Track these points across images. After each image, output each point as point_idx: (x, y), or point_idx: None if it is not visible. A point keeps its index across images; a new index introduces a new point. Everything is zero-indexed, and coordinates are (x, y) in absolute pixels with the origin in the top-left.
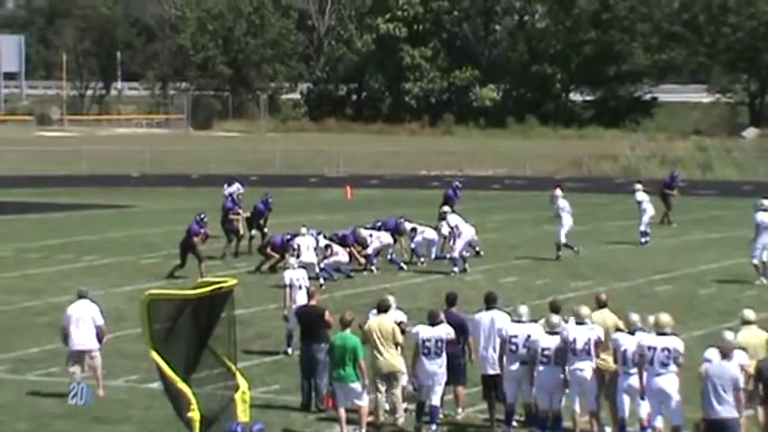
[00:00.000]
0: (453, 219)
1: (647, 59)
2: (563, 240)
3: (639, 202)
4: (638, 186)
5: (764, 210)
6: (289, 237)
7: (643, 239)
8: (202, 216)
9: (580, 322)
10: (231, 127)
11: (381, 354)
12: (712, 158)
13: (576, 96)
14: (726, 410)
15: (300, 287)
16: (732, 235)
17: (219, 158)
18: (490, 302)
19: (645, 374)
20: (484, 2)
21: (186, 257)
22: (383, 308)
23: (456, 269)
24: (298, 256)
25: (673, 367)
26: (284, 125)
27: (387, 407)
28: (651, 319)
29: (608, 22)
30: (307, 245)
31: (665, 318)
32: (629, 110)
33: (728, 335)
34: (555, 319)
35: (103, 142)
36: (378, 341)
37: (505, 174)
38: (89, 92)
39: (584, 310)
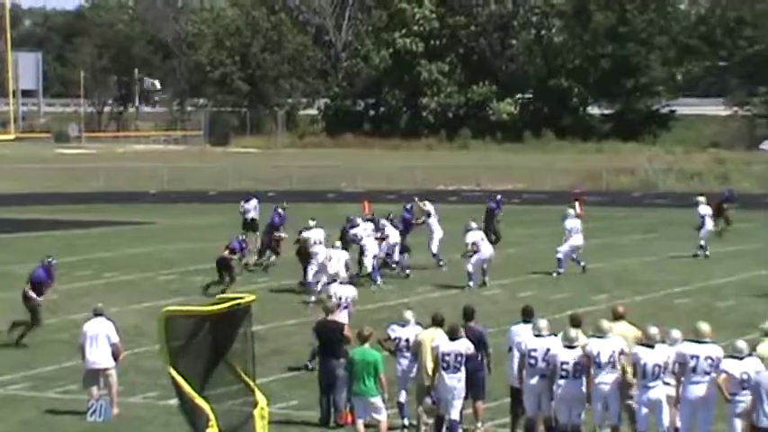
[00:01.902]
0: (472, 236)
1: (665, 73)
2: (560, 255)
3: (702, 216)
4: (701, 199)
5: None
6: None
7: (700, 252)
8: (243, 238)
9: (601, 336)
10: (248, 143)
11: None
12: (730, 171)
13: (593, 110)
14: None
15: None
16: (750, 248)
17: (237, 175)
18: (527, 316)
19: (681, 383)
20: (500, 16)
21: (223, 274)
22: (437, 321)
23: (471, 284)
24: (314, 244)
25: (713, 376)
26: (301, 141)
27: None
28: (675, 333)
29: (625, 35)
30: (319, 239)
31: (706, 327)
32: (646, 123)
33: (741, 343)
34: (572, 332)
35: (121, 159)
36: (427, 354)
37: (523, 188)
38: (107, 108)
39: (606, 324)
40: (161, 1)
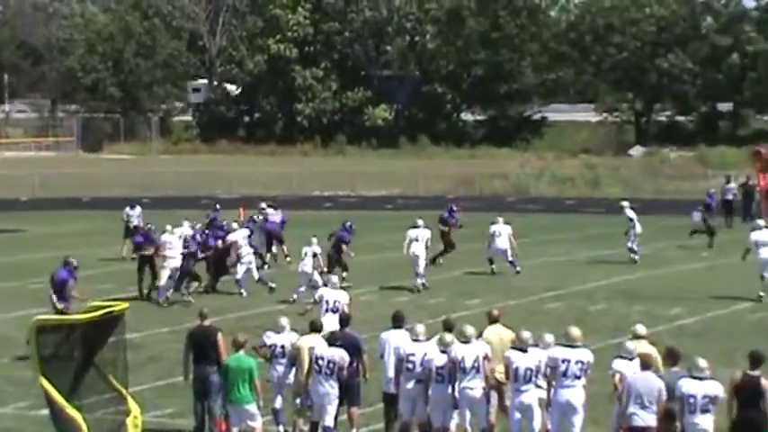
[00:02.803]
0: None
1: (537, 79)
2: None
3: (631, 219)
4: (626, 204)
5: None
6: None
7: (634, 255)
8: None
9: (465, 341)
10: (122, 149)
11: None
12: (600, 176)
13: (467, 116)
14: (650, 419)
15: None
16: (620, 252)
17: (110, 181)
18: (397, 321)
19: (552, 387)
20: (375, 23)
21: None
22: (316, 327)
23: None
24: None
25: (583, 380)
26: (176, 147)
27: None
28: (548, 337)
29: (498, 41)
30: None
31: (576, 331)
32: (519, 129)
33: (630, 344)
34: (448, 337)
35: None
36: (305, 361)
37: (398, 193)
38: None
39: (470, 330)
40: (30, 6)
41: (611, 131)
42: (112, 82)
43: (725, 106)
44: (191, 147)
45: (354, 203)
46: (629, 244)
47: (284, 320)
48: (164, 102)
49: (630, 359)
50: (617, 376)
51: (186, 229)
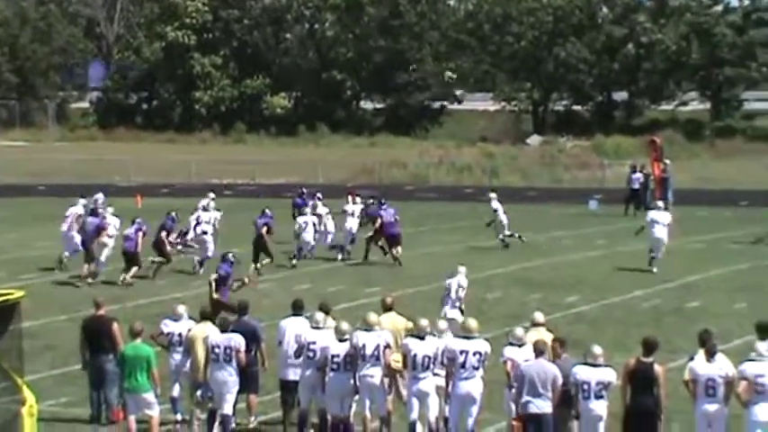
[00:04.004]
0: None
1: (436, 68)
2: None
3: (495, 210)
4: (493, 195)
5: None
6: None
7: (505, 241)
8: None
9: (368, 329)
10: (17, 136)
11: None
12: (498, 165)
13: (366, 104)
14: (545, 406)
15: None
16: (517, 241)
17: (5, 168)
18: (297, 309)
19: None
20: (274, 10)
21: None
22: (206, 315)
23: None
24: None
25: (481, 371)
26: (73, 134)
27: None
28: (441, 324)
29: (397, 29)
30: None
31: (474, 323)
32: (418, 118)
33: (519, 331)
34: (345, 326)
35: None
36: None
37: (298, 182)
38: None
39: (372, 317)
40: None
41: (508, 120)
42: (8, 68)
43: (620, 96)
44: (88, 134)
45: (254, 191)
46: (500, 236)
47: (181, 308)
48: (61, 88)
49: (520, 346)
50: (508, 363)
51: (79, 209)
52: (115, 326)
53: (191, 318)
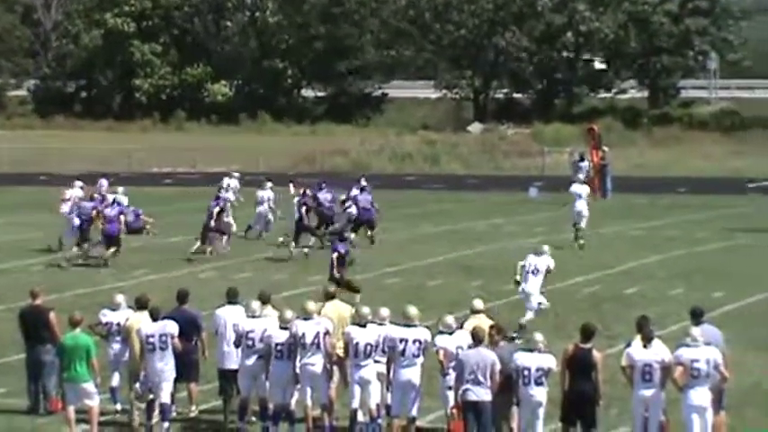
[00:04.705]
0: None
1: (377, 56)
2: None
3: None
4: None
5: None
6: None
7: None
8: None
9: (306, 317)
10: None
11: None
12: (439, 153)
13: (307, 92)
14: (484, 393)
15: None
16: (458, 227)
17: None
18: (231, 297)
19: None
20: None
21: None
22: (142, 304)
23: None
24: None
25: (421, 359)
26: (10, 122)
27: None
28: (383, 311)
29: (339, 16)
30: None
31: (414, 310)
32: (359, 105)
33: (449, 318)
34: (289, 314)
35: None
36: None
37: (238, 170)
38: None
39: (311, 305)
40: None
41: (450, 108)
42: None
43: (560, 84)
44: (25, 122)
45: (194, 180)
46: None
47: (120, 297)
48: None
49: (450, 333)
50: (440, 352)
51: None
52: (52, 315)
53: (129, 307)
